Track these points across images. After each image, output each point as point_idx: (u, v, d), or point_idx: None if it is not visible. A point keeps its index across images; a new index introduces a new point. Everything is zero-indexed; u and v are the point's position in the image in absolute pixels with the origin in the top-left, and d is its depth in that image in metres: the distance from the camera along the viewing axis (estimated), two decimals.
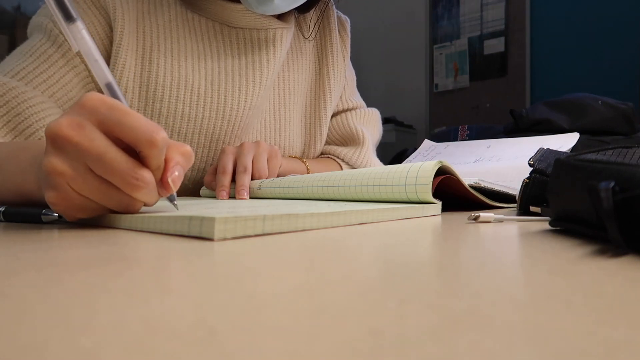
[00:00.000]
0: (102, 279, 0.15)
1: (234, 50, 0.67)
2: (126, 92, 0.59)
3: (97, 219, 0.32)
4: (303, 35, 0.78)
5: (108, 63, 0.58)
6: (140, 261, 0.19)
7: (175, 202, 0.32)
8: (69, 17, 0.31)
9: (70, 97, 0.57)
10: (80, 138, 0.26)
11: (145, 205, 0.31)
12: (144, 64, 0.60)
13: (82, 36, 0.32)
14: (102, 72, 0.32)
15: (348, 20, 0.84)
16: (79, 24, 0.31)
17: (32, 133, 0.53)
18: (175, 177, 0.30)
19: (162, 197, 0.31)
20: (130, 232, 0.28)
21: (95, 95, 0.28)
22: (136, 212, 0.30)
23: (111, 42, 0.59)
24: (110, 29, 0.59)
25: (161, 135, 0.28)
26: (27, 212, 0.32)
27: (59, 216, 0.32)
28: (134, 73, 0.60)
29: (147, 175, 0.28)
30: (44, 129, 0.46)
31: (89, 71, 0.58)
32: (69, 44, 0.55)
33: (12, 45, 2.67)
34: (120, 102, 0.29)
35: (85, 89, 0.59)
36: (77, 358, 0.09)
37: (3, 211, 0.33)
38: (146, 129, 0.27)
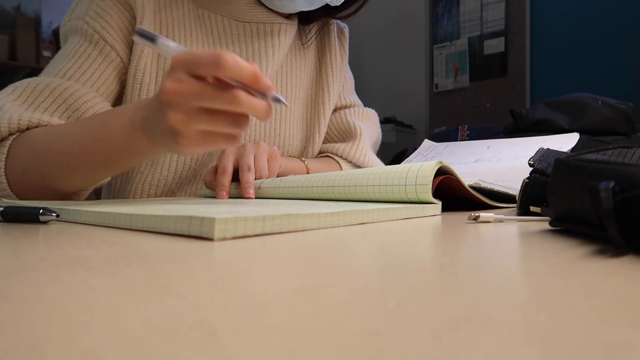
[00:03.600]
0: (102, 279, 0.15)
1: (241, 41, 0.73)
2: (144, 75, 0.65)
3: (96, 219, 0.32)
4: (301, 43, 0.82)
5: (131, 49, 0.65)
6: (140, 261, 0.19)
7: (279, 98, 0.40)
8: (152, 39, 0.41)
9: (111, 89, 0.65)
10: (183, 87, 0.37)
11: (258, 118, 0.40)
12: None
13: (166, 44, 0.42)
14: (172, 49, 0.41)
15: (346, 27, 0.90)
16: (160, 40, 0.42)
17: None
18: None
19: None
20: (130, 232, 0.28)
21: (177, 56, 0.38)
22: (244, 129, 0.41)
23: None
24: (135, 20, 0.65)
25: (225, 57, 0.35)
26: (25, 212, 0.32)
27: (57, 215, 0.32)
28: (152, 59, 0.66)
29: (240, 92, 0.37)
30: None
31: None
32: (104, 42, 0.63)
33: (12, 45, 2.69)
34: (190, 53, 0.37)
35: (119, 79, 0.66)
36: (77, 358, 0.09)
37: (2, 211, 0.33)
38: (211, 60, 0.35)
